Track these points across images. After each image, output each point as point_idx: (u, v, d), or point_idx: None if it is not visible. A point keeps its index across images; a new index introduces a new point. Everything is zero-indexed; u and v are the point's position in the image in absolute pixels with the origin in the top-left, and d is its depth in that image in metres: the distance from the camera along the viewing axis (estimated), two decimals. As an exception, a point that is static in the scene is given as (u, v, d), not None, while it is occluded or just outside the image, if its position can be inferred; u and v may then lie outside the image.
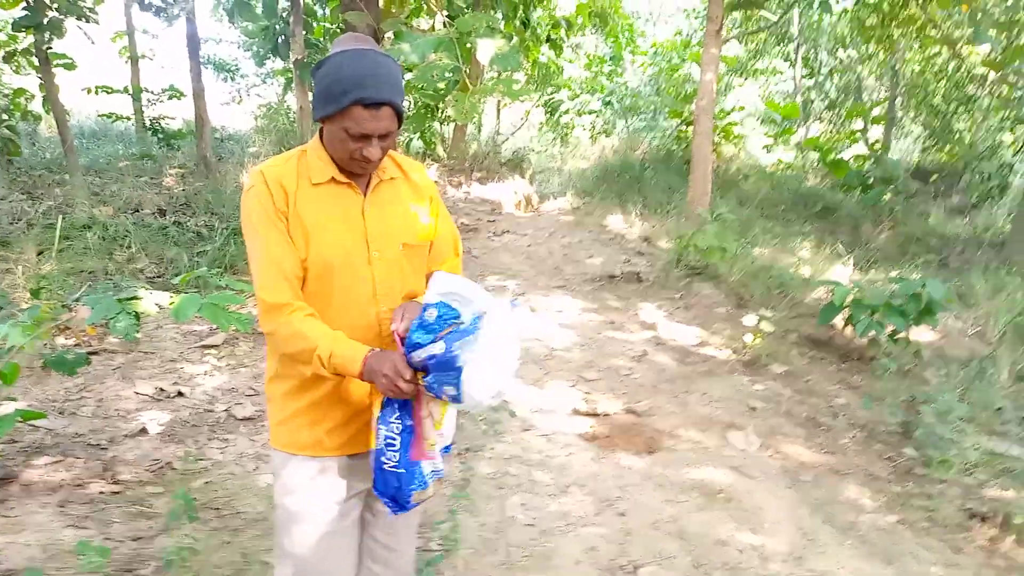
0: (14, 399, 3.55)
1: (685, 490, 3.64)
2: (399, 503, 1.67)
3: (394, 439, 1.62)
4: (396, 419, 1.62)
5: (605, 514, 3.38)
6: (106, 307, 3.29)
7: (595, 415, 4.43)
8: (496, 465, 3.75)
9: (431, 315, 1.55)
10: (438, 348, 1.51)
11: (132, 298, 3.38)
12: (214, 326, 5.11)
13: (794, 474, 3.88)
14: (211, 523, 3.01)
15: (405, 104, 1.69)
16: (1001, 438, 4.15)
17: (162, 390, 4.19)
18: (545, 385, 4.81)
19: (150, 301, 3.40)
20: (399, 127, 1.68)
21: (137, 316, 3.31)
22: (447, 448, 1.76)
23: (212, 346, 4.86)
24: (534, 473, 3.70)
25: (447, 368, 1.50)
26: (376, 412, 1.66)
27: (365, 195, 1.76)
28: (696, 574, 2.99)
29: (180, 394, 4.18)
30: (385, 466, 1.63)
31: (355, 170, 1.71)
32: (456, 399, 1.53)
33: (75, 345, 4.53)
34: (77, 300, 4.35)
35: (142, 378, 4.33)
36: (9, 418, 3.18)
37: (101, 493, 3.16)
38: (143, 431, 3.73)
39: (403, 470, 1.62)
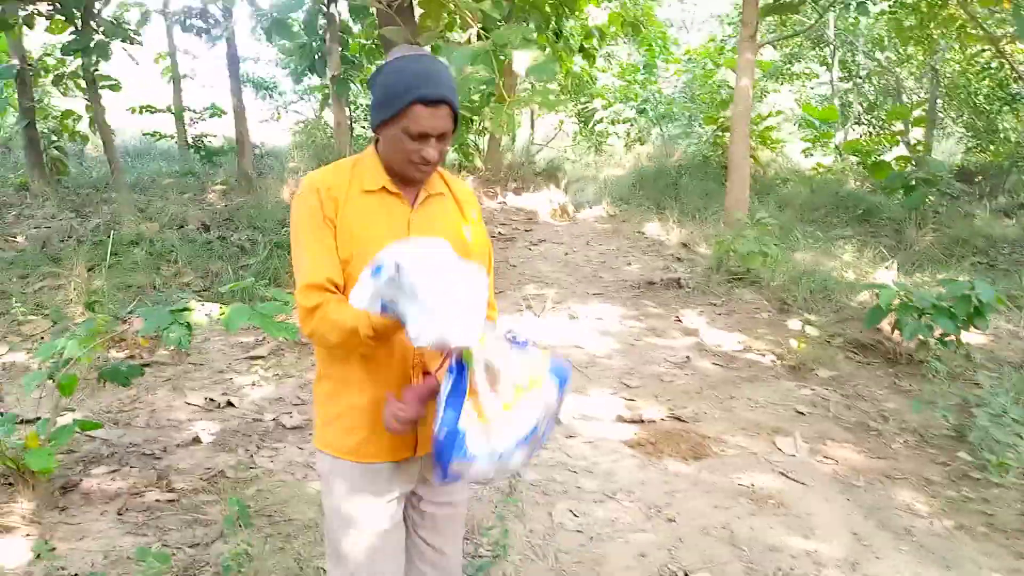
0: (71, 410, 3.65)
1: (734, 496, 3.60)
2: (441, 468, 1.63)
3: (441, 407, 1.61)
4: (446, 385, 1.62)
5: (654, 520, 3.36)
6: (159, 318, 3.38)
7: (639, 422, 4.41)
8: (542, 472, 3.74)
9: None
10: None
11: (184, 309, 3.46)
12: (260, 338, 5.21)
13: (845, 479, 3.82)
14: (264, 530, 3.05)
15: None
16: (1060, 441, 4.04)
17: (212, 400, 4.27)
18: (587, 392, 4.80)
19: (201, 312, 3.48)
20: (454, 131, 1.70)
21: (189, 326, 3.40)
22: (526, 438, 1.66)
23: (259, 357, 4.94)
24: (580, 480, 3.69)
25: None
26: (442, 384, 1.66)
27: (413, 207, 1.79)
28: (749, 580, 2.96)
29: (230, 404, 4.26)
30: (438, 434, 1.61)
31: (412, 174, 1.72)
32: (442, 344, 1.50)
33: (128, 357, 4.64)
34: (130, 313, 4.47)
35: (192, 389, 4.41)
36: (67, 428, 3.27)
37: (157, 501, 3.23)
38: (196, 440, 3.80)
39: (443, 436, 1.60)
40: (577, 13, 12.11)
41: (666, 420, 4.45)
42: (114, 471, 3.45)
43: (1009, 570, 3.08)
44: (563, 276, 7.59)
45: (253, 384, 4.58)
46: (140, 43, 9.36)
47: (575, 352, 5.48)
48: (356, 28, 12.05)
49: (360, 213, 1.73)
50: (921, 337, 5.21)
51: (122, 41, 9.02)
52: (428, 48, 1.65)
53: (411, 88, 1.61)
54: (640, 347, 5.67)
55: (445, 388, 1.63)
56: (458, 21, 9.87)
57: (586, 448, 4.06)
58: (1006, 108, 11.52)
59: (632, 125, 15.46)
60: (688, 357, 5.48)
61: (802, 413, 4.60)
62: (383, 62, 1.71)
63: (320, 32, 11.20)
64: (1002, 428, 3.96)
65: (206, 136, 12.03)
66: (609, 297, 6.94)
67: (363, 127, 14.13)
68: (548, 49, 10.87)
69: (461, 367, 1.62)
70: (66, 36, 8.69)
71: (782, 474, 3.83)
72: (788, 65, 15.01)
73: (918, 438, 4.34)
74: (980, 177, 10.85)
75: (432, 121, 1.63)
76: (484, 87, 9.02)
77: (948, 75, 12.20)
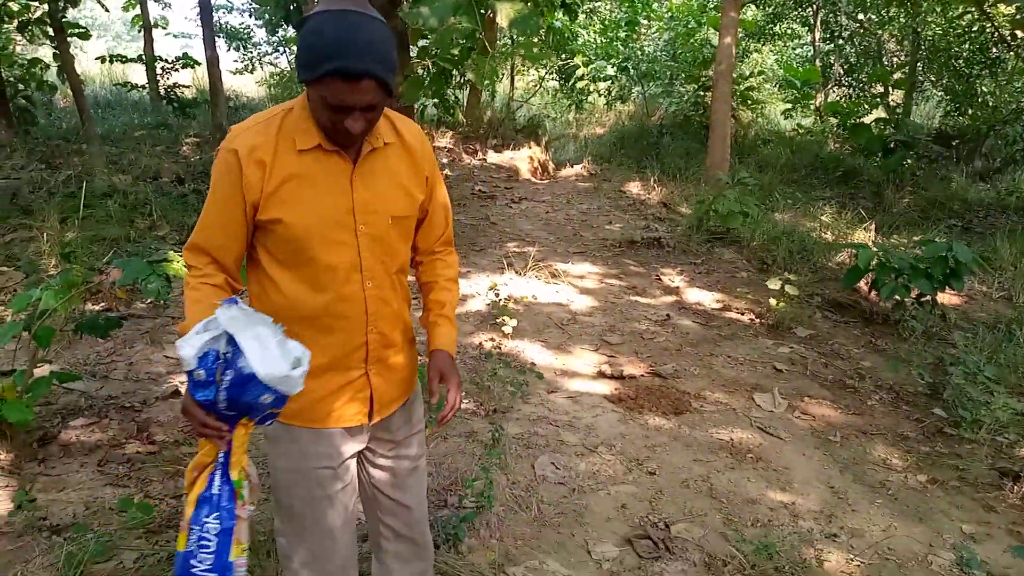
0: (48, 362, 3.59)
1: (714, 450, 3.65)
2: None
3: (209, 541, 1.50)
4: (214, 519, 1.50)
5: (635, 473, 3.40)
6: (137, 269, 3.32)
7: (620, 377, 4.44)
8: (524, 426, 3.76)
9: (200, 375, 1.42)
10: (228, 378, 1.41)
11: (162, 260, 3.40)
12: (241, 291, 5.15)
13: (822, 435, 3.88)
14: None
15: (392, 73, 1.48)
16: (1031, 399, 4.13)
17: (191, 354, 4.21)
18: (568, 349, 4.81)
19: (180, 264, 3.42)
20: (388, 97, 1.51)
21: (168, 278, 3.34)
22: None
23: (237, 311, 4.88)
24: (562, 434, 3.72)
25: (245, 383, 1.40)
26: (189, 513, 1.52)
27: (355, 164, 1.62)
28: (728, 531, 3.01)
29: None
30: (195, 570, 1.49)
31: (338, 140, 1.57)
32: (275, 394, 1.42)
33: (104, 310, 4.56)
34: (107, 264, 4.38)
35: (171, 342, 4.35)
36: (45, 380, 3.22)
37: (138, 453, 3.20)
38: (175, 394, 3.76)
39: (210, 566, 1.49)
40: (560, -33, 11.89)
41: (647, 376, 4.49)
42: (93, 423, 3.41)
43: (979, 522, 3.17)
44: (544, 234, 7.56)
45: (232, 338, 4.53)
46: (110, -12, 9.07)
47: (557, 310, 5.49)
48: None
49: (295, 174, 1.57)
50: (898, 297, 5.27)
51: (91, -14, 8.73)
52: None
53: (329, 57, 1.40)
54: (621, 305, 5.69)
55: (204, 521, 1.50)
56: (439, -28, 9.65)
57: (568, 403, 4.08)
58: (986, 72, 11.53)
59: (613, 83, 15.31)
60: (668, 315, 5.51)
61: (780, 370, 4.66)
62: (312, 10, 1.49)
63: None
64: (976, 386, 4.05)
65: (179, 87, 11.73)
66: (590, 256, 6.94)
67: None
68: (531, 2, 10.67)
69: (224, 483, 1.51)
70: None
71: (760, 429, 3.88)
72: (771, 25, 14.88)
73: (894, 395, 4.42)
74: (957, 141, 10.89)
75: (352, 96, 1.44)
76: (465, 40, 8.87)
77: (929, 38, 12.17)
